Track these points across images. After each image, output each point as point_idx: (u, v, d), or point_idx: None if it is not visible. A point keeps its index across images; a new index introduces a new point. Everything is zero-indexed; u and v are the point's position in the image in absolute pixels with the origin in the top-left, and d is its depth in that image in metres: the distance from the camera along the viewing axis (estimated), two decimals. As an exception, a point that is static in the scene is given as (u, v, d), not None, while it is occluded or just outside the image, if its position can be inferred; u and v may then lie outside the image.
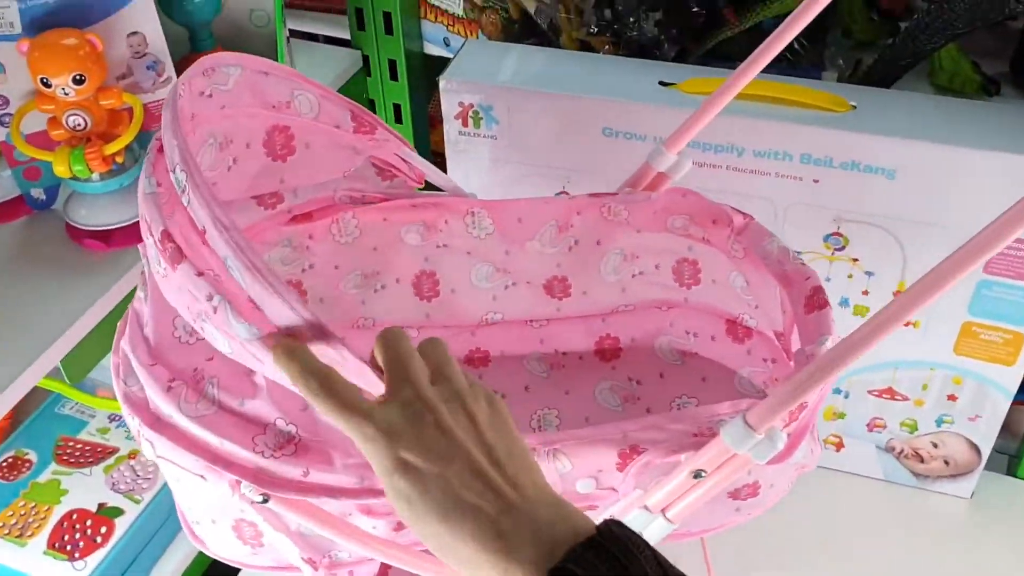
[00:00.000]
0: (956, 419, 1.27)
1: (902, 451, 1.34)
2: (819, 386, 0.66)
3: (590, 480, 0.78)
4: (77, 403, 1.31)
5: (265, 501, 0.75)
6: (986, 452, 1.30)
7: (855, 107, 1.08)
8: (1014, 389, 1.22)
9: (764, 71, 0.90)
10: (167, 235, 0.65)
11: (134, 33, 1.01)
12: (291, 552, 0.83)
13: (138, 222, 0.76)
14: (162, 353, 0.76)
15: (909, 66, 1.20)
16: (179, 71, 1.08)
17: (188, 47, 1.18)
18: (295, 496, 0.74)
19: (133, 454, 1.26)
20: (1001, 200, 0.60)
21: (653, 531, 0.78)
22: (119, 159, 1.02)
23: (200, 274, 0.64)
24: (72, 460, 1.26)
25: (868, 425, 1.33)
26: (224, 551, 0.89)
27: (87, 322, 0.98)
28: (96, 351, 1.00)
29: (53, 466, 1.25)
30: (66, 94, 0.96)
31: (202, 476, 0.75)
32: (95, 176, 1.01)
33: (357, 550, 0.81)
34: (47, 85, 0.95)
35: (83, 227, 1.04)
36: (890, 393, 1.28)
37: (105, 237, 1.04)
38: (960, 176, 1.04)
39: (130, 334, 0.78)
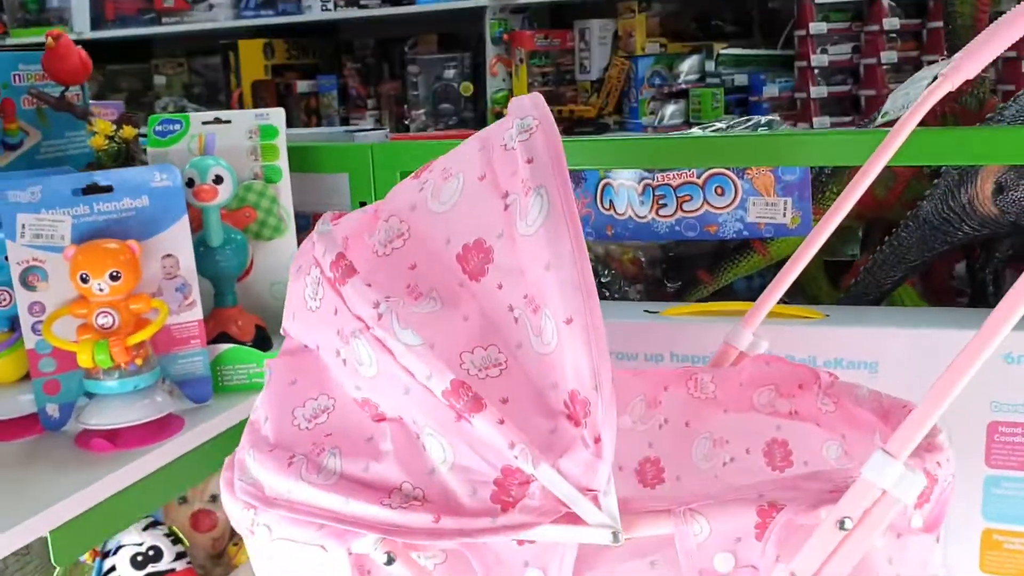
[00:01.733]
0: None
1: None
2: (938, 408, 0.73)
3: (728, 555, 0.75)
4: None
5: (390, 562, 0.73)
6: None
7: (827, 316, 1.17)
8: (1057, 610, 1.14)
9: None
10: (341, 256, 0.79)
11: (168, 256, 1.13)
12: None
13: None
14: (282, 441, 0.80)
15: (874, 302, 1.31)
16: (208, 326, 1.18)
17: (212, 302, 1.28)
18: (426, 542, 0.72)
19: None
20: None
21: None
22: (138, 360, 1.07)
23: (369, 284, 0.77)
24: None
25: None
26: None
27: (81, 500, 0.95)
28: (88, 535, 0.96)
29: None
30: (101, 290, 1.05)
31: (322, 547, 0.74)
32: (112, 377, 1.06)
33: None
34: (85, 281, 1.04)
35: (93, 428, 1.05)
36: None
37: (113, 437, 1.05)
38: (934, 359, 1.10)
39: (247, 437, 0.82)
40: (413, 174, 0.86)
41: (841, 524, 0.73)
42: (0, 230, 1.07)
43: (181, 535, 1.25)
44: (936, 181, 1.26)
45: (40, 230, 1.07)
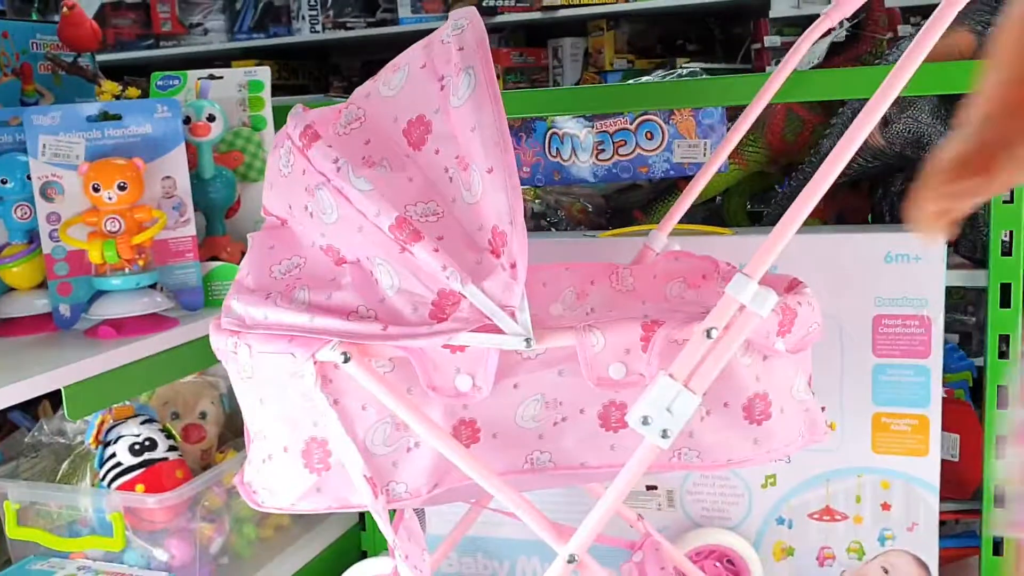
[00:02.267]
0: (896, 532, 1.33)
1: (858, 585, 1.36)
2: (786, 231, 0.89)
3: (620, 365, 0.92)
4: (50, 559, 1.35)
5: (347, 360, 0.89)
6: (934, 570, 1.33)
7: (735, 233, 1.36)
8: (936, 481, 1.31)
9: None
10: (308, 126, 0.99)
11: (167, 178, 1.31)
12: (355, 467, 0.92)
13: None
14: (260, 286, 0.98)
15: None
16: (199, 254, 1.35)
17: (205, 232, 1.46)
18: (376, 343, 0.90)
19: (96, 586, 1.28)
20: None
21: (680, 406, 0.90)
22: (140, 262, 1.25)
23: (330, 146, 0.98)
24: (34, 594, 1.27)
25: (818, 559, 1.37)
26: (287, 491, 0.97)
27: (91, 365, 1.13)
28: (97, 396, 1.13)
29: (14, 598, 1.27)
30: (110, 199, 1.23)
31: (292, 354, 0.90)
32: (118, 276, 1.23)
33: (416, 430, 0.93)
34: (96, 191, 1.22)
35: (101, 318, 1.23)
36: (829, 514, 1.36)
37: (118, 326, 1.22)
38: (824, 258, 1.29)
39: (232, 290, 1.00)
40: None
41: (708, 333, 0.90)
42: (23, 155, 1.26)
43: (174, 433, 1.41)
44: (833, 120, 1.45)
45: (58, 149, 1.25)
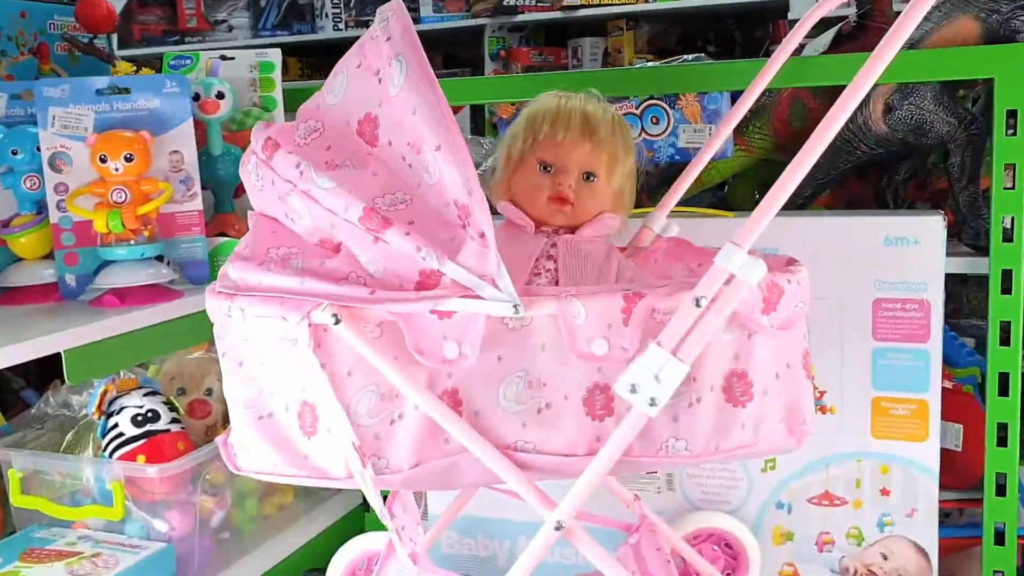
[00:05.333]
0: (896, 518, 1.32)
1: (856, 571, 1.35)
2: (775, 201, 0.89)
3: (602, 340, 0.92)
4: (51, 528, 1.37)
5: (337, 322, 0.90)
6: (933, 556, 1.32)
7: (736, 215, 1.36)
8: (935, 467, 1.30)
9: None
10: (268, 138, 1.01)
11: (175, 152, 1.33)
12: (344, 433, 0.93)
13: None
14: (255, 257, 0.99)
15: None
16: (207, 231, 1.37)
17: (213, 210, 1.48)
18: (364, 306, 0.91)
19: (96, 555, 1.29)
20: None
21: (668, 375, 0.90)
22: (146, 232, 1.26)
23: (291, 152, 1.00)
24: (36, 559, 1.29)
25: (817, 544, 1.37)
26: (271, 453, 0.98)
27: (92, 331, 1.14)
28: (97, 362, 1.15)
29: (15, 563, 1.28)
30: (117, 170, 1.25)
31: (283, 317, 0.92)
32: (123, 246, 1.25)
33: (404, 392, 0.93)
34: (103, 162, 1.24)
35: (105, 287, 1.24)
36: (828, 499, 1.35)
37: (122, 296, 1.24)
38: (823, 241, 1.28)
39: (229, 260, 1.01)
40: None
41: (697, 302, 0.90)
42: (34, 127, 1.28)
43: (178, 406, 1.42)
44: (840, 109, 1.45)
45: (67, 121, 1.28)
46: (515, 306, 0.90)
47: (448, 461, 0.94)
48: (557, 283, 1.13)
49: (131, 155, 1.25)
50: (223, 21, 4.24)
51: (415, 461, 0.94)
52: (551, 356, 0.93)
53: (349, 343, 0.92)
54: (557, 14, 3.57)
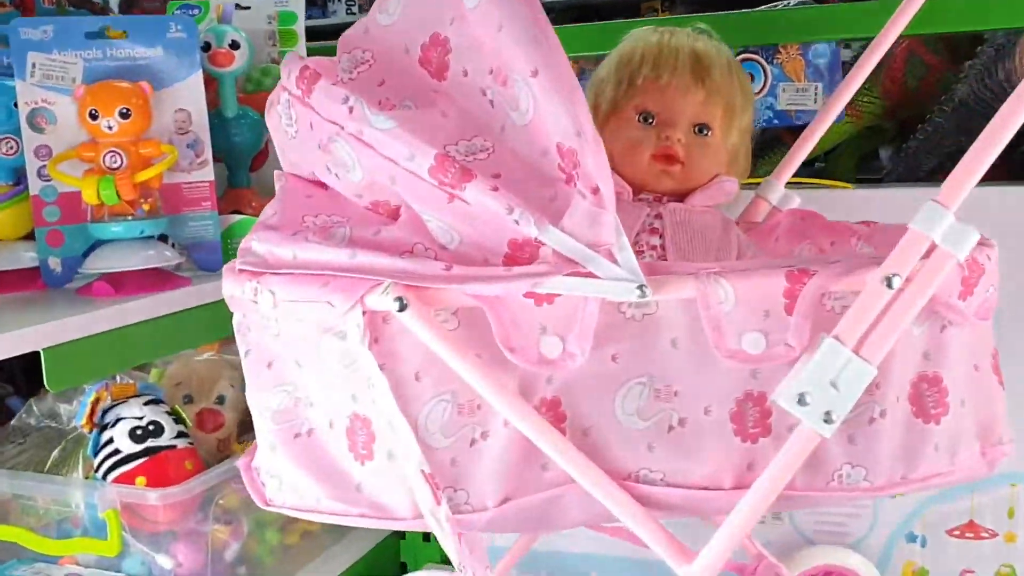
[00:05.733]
0: (1059, 555, 1.09)
1: (1006, 618, 1.12)
2: (988, 155, 0.66)
3: (758, 335, 0.68)
4: (35, 564, 1.14)
5: (403, 308, 0.67)
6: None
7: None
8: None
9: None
10: (305, 67, 0.76)
11: (181, 110, 1.10)
12: (412, 457, 0.70)
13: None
14: (285, 226, 0.76)
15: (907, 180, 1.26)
16: (219, 208, 1.14)
17: (226, 184, 1.25)
18: (439, 286, 0.68)
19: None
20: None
21: (849, 380, 0.67)
22: (145, 206, 1.03)
23: (335, 83, 0.75)
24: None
25: (958, 584, 1.13)
26: (313, 485, 0.75)
27: (77, 325, 0.91)
28: (82, 364, 0.92)
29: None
30: (110, 128, 1.01)
31: (328, 303, 0.69)
32: (118, 222, 1.02)
33: (491, 402, 0.70)
34: (94, 118, 1.01)
35: (96, 272, 1.01)
36: (973, 530, 1.12)
37: (116, 283, 1.01)
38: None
39: (252, 230, 0.78)
40: None
41: (888, 282, 0.67)
42: (9, 79, 1.05)
43: (185, 417, 1.19)
44: (970, 62, 1.21)
45: (51, 70, 1.04)
46: (640, 287, 0.67)
47: (547, 496, 0.71)
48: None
49: (128, 110, 1.02)
50: (230, 5, 4.03)
51: (504, 495, 0.71)
52: (686, 355, 0.70)
53: (417, 336, 0.69)
54: (587, -7, 3.35)
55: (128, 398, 1.15)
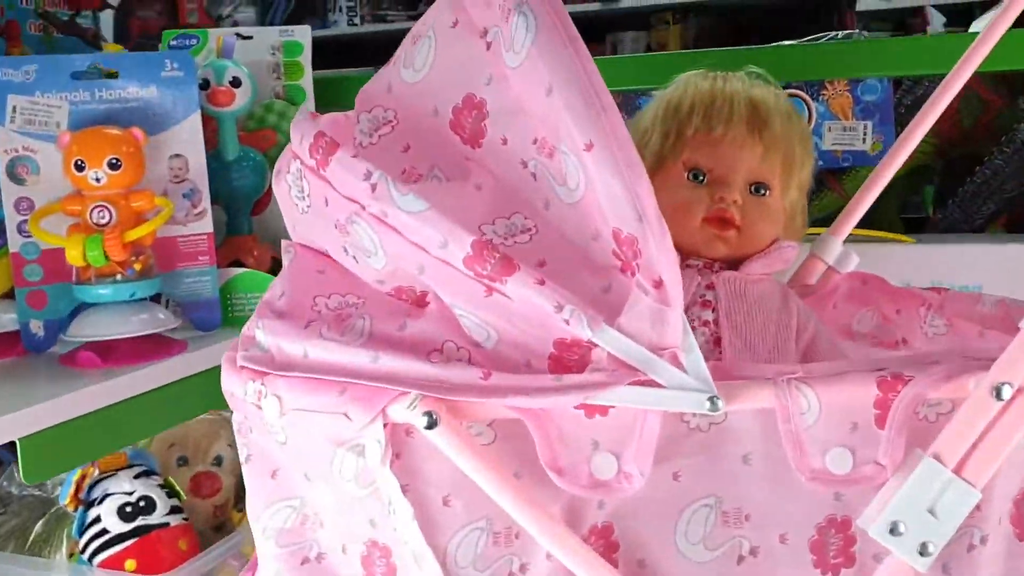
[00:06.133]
0: None
1: None
2: None
3: (844, 451, 0.59)
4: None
5: (432, 425, 0.58)
6: None
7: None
8: None
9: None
10: (321, 134, 0.64)
11: (177, 156, 1.00)
12: None
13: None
14: (295, 314, 0.67)
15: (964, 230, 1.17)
16: (218, 258, 1.05)
17: (225, 231, 1.15)
18: (476, 399, 0.58)
19: None
20: None
21: (950, 505, 0.57)
22: (137, 266, 0.93)
23: (355, 155, 0.63)
24: None
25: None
26: None
27: (58, 408, 0.81)
28: (64, 451, 0.82)
29: None
30: (98, 180, 0.92)
31: (345, 415, 0.59)
32: (106, 283, 0.92)
33: (531, 532, 0.60)
34: (80, 169, 0.91)
35: (82, 340, 0.92)
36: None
37: (103, 352, 0.91)
38: None
39: (257, 313, 0.69)
40: None
41: (997, 392, 0.57)
42: (-11, 122, 0.95)
43: (179, 489, 1.09)
44: (1033, 101, 1.13)
45: (33, 115, 0.95)
46: (712, 398, 0.57)
47: None
48: (719, 342, 0.80)
49: (117, 160, 0.92)
50: (227, 17, 3.93)
51: None
52: (760, 474, 0.60)
53: (446, 454, 0.59)
54: (595, 5, 3.25)
55: (117, 470, 1.05)
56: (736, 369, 0.60)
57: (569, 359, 0.59)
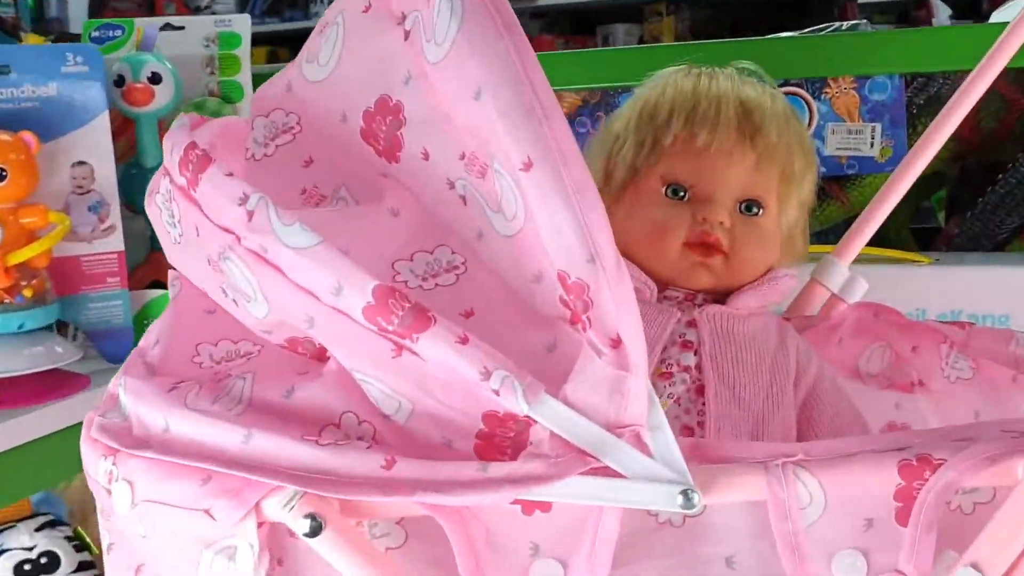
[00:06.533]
0: None
1: None
2: None
3: (856, 555, 0.46)
4: None
5: (316, 532, 0.45)
6: None
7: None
8: None
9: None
10: (192, 145, 0.52)
11: (80, 164, 0.87)
12: None
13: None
14: (169, 368, 0.55)
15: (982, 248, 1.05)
16: (137, 278, 0.92)
17: (148, 246, 1.02)
18: (376, 498, 0.45)
19: None
20: None
21: None
22: (27, 292, 0.80)
23: (229, 174, 0.50)
24: None
25: None
26: None
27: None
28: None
29: None
30: (-21, 194, 0.79)
31: (207, 512, 0.46)
32: (-9, 313, 0.79)
33: None
34: (-43, 180, 0.78)
35: (-40, 378, 0.79)
36: None
37: (-14, 392, 0.78)
38: None
39: (124, 366, 0.56)
40: None
41: (1049, 483, 0.44)
42: None
43: (90, 541, 0.96)
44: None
45: (-94, 116, 0.82)
46: (685, 492, 0.44)
47: None
48: (701, 391, 0.66)
49: (3, 170, 0.79)
50: (206, 7, 3.79)
51: None
52: None
53: (338, 561, 0.46)
54: (586, -3, 3.13)
55: (17, 521, 0.92)
56: (717, 449, 0.47)
57: (503, 437, 0.46)
